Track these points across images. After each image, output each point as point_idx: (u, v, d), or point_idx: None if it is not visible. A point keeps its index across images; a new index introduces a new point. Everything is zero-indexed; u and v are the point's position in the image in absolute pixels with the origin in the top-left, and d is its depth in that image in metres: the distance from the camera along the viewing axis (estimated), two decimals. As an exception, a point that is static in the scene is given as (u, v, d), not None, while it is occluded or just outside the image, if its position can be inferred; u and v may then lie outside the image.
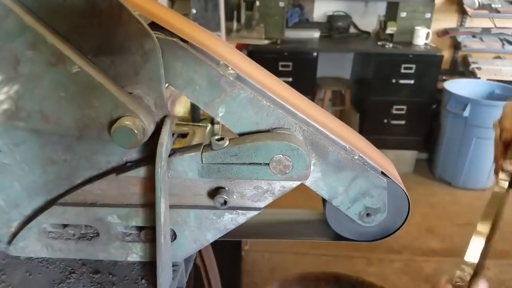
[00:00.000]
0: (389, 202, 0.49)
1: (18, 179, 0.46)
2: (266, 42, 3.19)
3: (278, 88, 0.48)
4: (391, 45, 3.29)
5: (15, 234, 0.49)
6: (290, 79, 3.09)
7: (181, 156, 0.44)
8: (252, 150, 0.43)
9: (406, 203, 0.50)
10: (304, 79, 3.22)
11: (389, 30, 3.39)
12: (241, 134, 0.46)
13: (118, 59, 0.40)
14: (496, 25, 3.05)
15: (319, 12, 3.67)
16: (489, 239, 0.50)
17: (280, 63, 3.16)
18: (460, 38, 3.25)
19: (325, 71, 3.65)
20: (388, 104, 3.30)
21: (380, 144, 0.56)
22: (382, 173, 0.48)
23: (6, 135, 0.44)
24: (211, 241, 0.49)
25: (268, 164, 0.44)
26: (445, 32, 3.41)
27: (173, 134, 0.58)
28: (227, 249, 1.44)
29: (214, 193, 0.46)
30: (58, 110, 0.41)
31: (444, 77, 3.14)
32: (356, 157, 0.46)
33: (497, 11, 2.91)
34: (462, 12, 3.25)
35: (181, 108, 1.40)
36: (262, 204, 0.47)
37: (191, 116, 1.34)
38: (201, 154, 0.44)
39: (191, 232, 0.48)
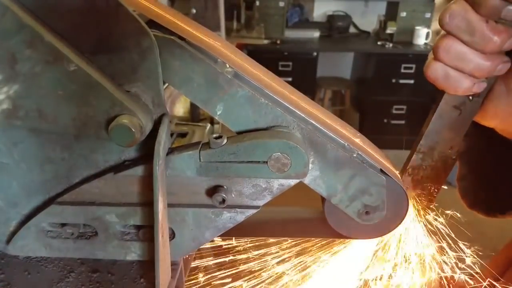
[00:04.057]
0: (388, 200, 0.49)
1: (16, 178, 0.46)
2: (266, 42, 3.20)
3: (277, 86, 0.48)
4: (391, 45, 3.29)
5: (13, 233, 0.49)
6: (290, 79, 3.09)
7: (179, 155, 0.44)
8: (250, 148, 0.43)
9: (405, 201, 0.50)
10: (304, 79, 3.23)
11: (389, 30, 3.40)
12: (239, 133, 0.46)
13: (115, 57, 0.40)
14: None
15: (319, 12, 3.67)
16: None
17: (280, 63, 3.16)
18: (460, 38, 3.25)
19: (325, 71, 3.65)
20: (388, 104, 3.30)
21: (380, 144, 0.57)
22: (381, 171, 0.48)
23: (4, 134, 0.44)
24: (210, 239, 0.49)
25: (267, 162, 0.44)
26: (445, 32, 3.39)
27: (172, 134, 0.58)
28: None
29: (212, 191, 0.46)
30: (56, 108, 0.41)
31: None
32: (355, 155, 0.46)
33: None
34: (462, 12, 3.25)
35: (180, 108, 1.40)
36: (260, 203, 0.47)
37: (190, 116, 1.35)
38: (199, 153, 0.44)
39: (189, 231, 0.48)
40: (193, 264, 0.65)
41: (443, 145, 0.54)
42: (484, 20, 0.42)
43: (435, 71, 0.47)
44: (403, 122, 3.29)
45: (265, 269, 0.66)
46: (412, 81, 3.22)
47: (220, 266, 0.69)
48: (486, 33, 0.43)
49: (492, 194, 0.62)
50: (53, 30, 0.39)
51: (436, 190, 0.57)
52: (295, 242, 0.63)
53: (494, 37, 0.43)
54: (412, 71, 3.20)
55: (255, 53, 3.02)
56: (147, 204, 0.46)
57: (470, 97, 0.50)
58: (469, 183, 0.65)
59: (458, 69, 0.46)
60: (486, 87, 0.48)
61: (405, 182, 0.56)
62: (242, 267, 0.67)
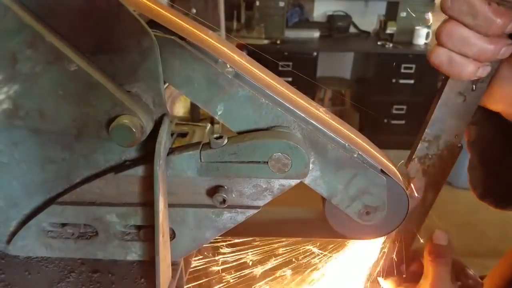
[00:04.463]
0: (388, 200, 0.49)
1: (16, 178, 0.46)
2: (266, 42, 3.19)
3: (277, 86, 0.48)
4: (391, 45, 3.29)
5: (14, 233, 0.49)
6: (290, 79, 3.09)
7: (179, 155, 0.44)
8: (251, 149, 0.43)
9: (405, 201, 0.50)
10: (304, 79, 3.22)
11: (389, 30, 3.40)
12: (240, 133, 0.46)
13: (116, 57, 0.40)
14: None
15: (319, 11, 3.67)
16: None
17: (280, 63, 3.16)
18: (460, 38, 3.25)
19: (325, 71, 3.65)
20: (388, 104, 3.30)
21: (380, 144, 0.57)
22: (382, 171, 0.48)
23: (4, 134, 0.44)
24: (210, 240, 0.49)
25: (267, 162, 0.44)
26: (445, 32, 3.39)
27: (172, 134, 0.58)
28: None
29: (213, 191, 0.46)
30: (57, 108, 0.41)
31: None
32: (356, 155, 0.46)
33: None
34: (462, 12, 3.24)
35: (180, 108, 1.40)
36: (261, 203, 0.47)
37: (190, 116, 1.35)
38: (200, 153, 0.44)
39: (190, 231, 0.48)
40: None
41: (449, 133, 0.53)
42: (486, 2, 0.42)
43: (439, 56, 0.47)
44: (403, 122, 3.29)
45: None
46: (412, 81, 3.22)
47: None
48: (489, 16, 0.42)
49: (502, 185, 0.61)
50: (54, 30, 0.39)
51: (442, 180, 0.56)
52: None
53: (497, 20, 0.42)
54: (412, 71, 3.19)
55: (255, 53, 3.01)
56: (148, 204, 0.46)
57: (475, 83, 0.50)
58: (479, 173, 0.64)
59: (462, 53, 0.46)
60: (490, 71, 0.48)
61: (411, 171, 0.55)
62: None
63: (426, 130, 0.54)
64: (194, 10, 2.31)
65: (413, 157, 0.55)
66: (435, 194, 0.57)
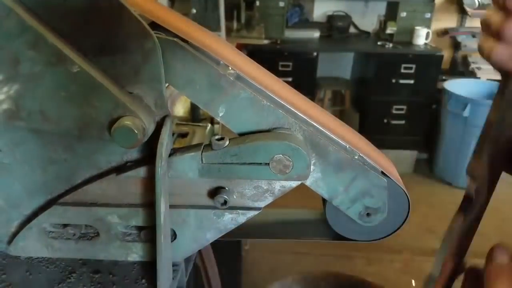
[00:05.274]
0: (389, 202, 0.49)
1: (18, 179, 0.46)
2: (266, 42, 3.19)
3: (278, 88, 0.49)
4: (391, 45, 3.28)
5: (15, 234, 0.49)
6: (290, 79, 3.09)
7: (181, 156, 0.44)
8: (252, 150, 0.43)
9: (406, 203, 0.50)
10: (304, 79, 3.22)
11: (389, 30, 3.39)
12: (241, 134, 0.46)
13: (118, 59, 0.40)
14: (496, 25, 3.05)
15: (319, 12, 3.67)
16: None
17: (280, 63, 3.15)
18: (460, 38, 3.25)
19: (325, 71, 3.64)
20: (388, 104, 3.29)
21: (380, 144, 0.57)
22: (382, 173, 0.48)
23: (6, 135, 0.44)
24: (211, 241, 0.49)
25: (268, 164, 0.44)
26: (445, 32, 3.40)
27: (173, 134, 0.58)
28: (227, 249, 1.44)
29: (214, 193, 0.46)
30: (59, 109, 0.41)
31: (444, 77, 3.13)
32: (356, 157, 0.46)
33: (497, 11, 2.90)
34: (462, 12, 3.25)
35: (181, 108, 1.40)
36: (262, 204, 0.47)
37: (191, 116, 1.35)
38: (201, 154, 0.44)
39: (191, 232, 0.48)
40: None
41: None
42: None
43: (502, 54, 0.45)
44: (403, 122, 3.29)
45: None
46: (412, 81, 3.21)
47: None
48: None
49: None
50: (56, 32, 0.39)
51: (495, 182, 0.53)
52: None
53: None
54: (412, 71, 3.19)
55: (255, 53, 3.01)
56: (149, 205, 0.46)
57: None
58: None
59: None
60: None
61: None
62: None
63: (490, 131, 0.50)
64: (194, 10, 2.31)
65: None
66: (488, 196, 0.54)
